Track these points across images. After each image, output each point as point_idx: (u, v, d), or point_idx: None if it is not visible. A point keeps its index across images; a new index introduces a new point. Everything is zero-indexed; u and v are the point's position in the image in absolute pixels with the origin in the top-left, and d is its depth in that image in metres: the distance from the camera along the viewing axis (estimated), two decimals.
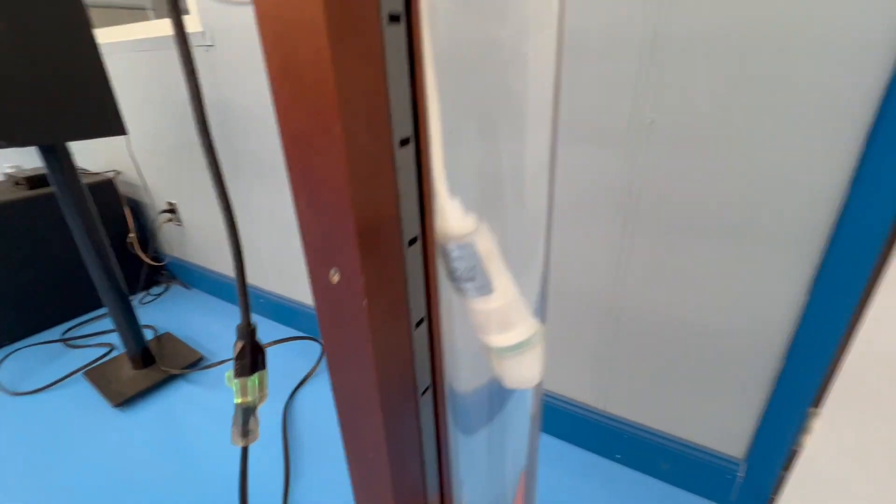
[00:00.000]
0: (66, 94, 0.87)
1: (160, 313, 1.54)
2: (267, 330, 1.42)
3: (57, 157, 0.96)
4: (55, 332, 1.44)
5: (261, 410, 1.08)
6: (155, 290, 1.71)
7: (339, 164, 0.23)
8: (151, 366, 1.22)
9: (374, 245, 0.26)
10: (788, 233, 0.60)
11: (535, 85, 0.27)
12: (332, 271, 0.26)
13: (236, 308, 1.55)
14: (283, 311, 1.40)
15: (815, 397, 0.67)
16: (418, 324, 0.32)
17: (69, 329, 1.46)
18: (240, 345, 0.32)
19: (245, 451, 0.33)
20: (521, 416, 0.50)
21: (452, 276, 0.25)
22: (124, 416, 1.08)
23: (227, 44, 1.06)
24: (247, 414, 0.32)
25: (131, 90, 1.40)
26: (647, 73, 0.61)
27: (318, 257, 0.26)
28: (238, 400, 0.32)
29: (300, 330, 1.39)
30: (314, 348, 1.31)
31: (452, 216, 0.23)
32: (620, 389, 0.85)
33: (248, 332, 0.31)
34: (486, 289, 0.24)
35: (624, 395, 0.85)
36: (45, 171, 1.01)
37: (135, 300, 1.64)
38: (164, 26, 1.21)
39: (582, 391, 0.90)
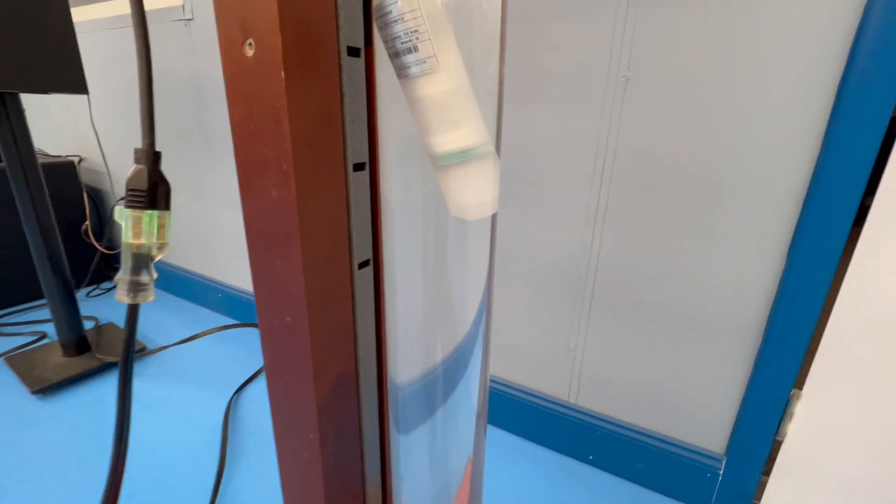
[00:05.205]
0: (23, 40, 0.83)
1: (107, 308, 1.42)
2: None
3: (6, 111, 0.90)
4: None
5: (206, 400, 0.97)
6: (106, 284, 1.59)
7: None
8: (85, 354, 1.10)
9: (298, 19, 0.22)
10: (762, 192, 0.59)
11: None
12: (248, 43, 0.22)
13: (194, 305, 1.45)
14: (243, 307, 1.31)
15: (797, 376, 0.63)
16: (357, 167, 0.27)
17: (3, 316, 1.33)
18: (137, 169, 0.26)
19: (132, 312, 0.27)
20: (466, 412, 0.44)
21: (390, 49, 0.21)
22: (42, 403, 0.95)
23: (207, 17, 1.05)
24: (139, 262, 0.26)
25: (103, 69, 1.37)
26: (624, 30, 0.61)
27: (229, 21, 0.21)
28: (128, 240, 0.26)
29: None
30: None
31: None
32: (592, 380, 0.79)
33: (149, 155, 0.26)
34: (430, 63, 0.20)
35: (596, 386, 0.79)
36: None
37: (82, 292, 1.52)
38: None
39: (551, 383, 0.84)
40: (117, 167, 1.50)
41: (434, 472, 0.44)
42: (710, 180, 0.61)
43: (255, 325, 1.27)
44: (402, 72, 0.21)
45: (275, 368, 0.28)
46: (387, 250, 0.31)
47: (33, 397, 0.97)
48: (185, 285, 1.46)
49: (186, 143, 1.24)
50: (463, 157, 0.21)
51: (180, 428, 0.89)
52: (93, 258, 1.56)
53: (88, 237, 1.52)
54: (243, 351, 1.18)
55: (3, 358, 1.09)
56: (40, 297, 1.45)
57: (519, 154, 0.74)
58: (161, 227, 0.27)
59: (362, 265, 0.30)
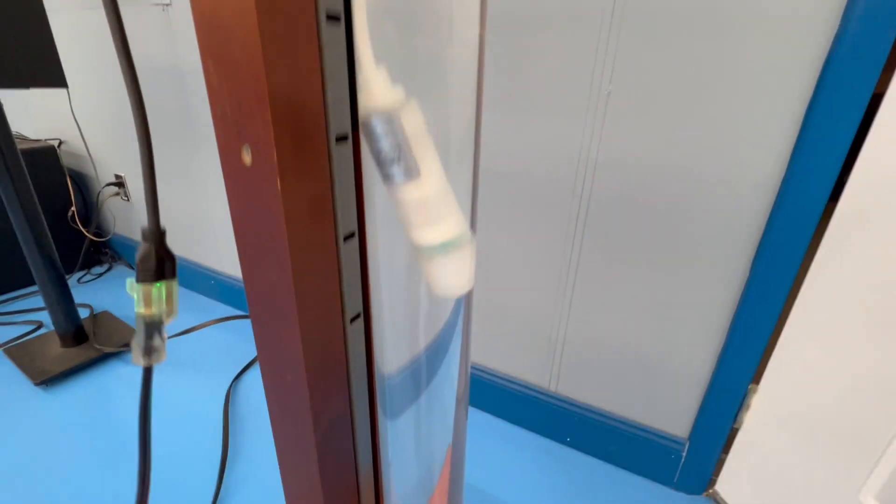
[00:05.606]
0: None
1: (100, 293, 1.44)
2: (218, 313, 1.35)
3: None
4: None
5: (204, 390, 1.01)
6: (97, 269, 1.60)
7: (250, 20, 0.21)
8: (83, 344, 1.13)
9: (293, 122, 0.24)
10: (732, 207, 0.62)
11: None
12: (244, 149, 0.24)
13: (188, 291, 1.47)
14: (236, 294, 1.34)
15: (755, 373, 0.68)
16: (347, 238, 0.30)
17: None
18: (145, 247, 0.29)
19: (147, 374, 0.30)
20: (447, 396, 0.48)
21: (377, 159, 0.23)
22: (47, 395, 0.99)
23: (184, 3, 1.01)
24: (150, 328, 0.29)
25: (79, 52, 1.32)
26: (607, 45, 0.62)
27: (228, 133, 0.23)
28: (140, 310, 0.29)
29: None
30: None
31: (377, 86, 0.21)
32: (571, 370, 0.85)
33: (155, 234, 0.28)
34: (412, 172, 0.22)
35: (574, 376, 0.85)
36: None
37: (73, 278, 1.52)
38: None
39: (534, 372, 0.89)
40: (99, 150, 1.48)
41: (419, 454, 0.49)
42: (682, 194, 0.64)
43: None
44: (387, 178, 0.23)
45: (268, 359, 0.31)
46: (372, 263, 0.34)
47: (37, 389, 1.00)
48: (182, 273, 1.48)
49: (172, 128, 1.23)
50: (443, 249, 0.23)
51: (182, 416, 0.94)
52: (81, 242, 1.56)
53: (76, 223, 1.52)
54: (240, 339, 1.22)
55: (1, 349, 1.11)
56: (29, 283, 1.46)
57: (503, 161, 0.76)
58: (169, 295, 0.29)
59: (354, 319, 0.33)
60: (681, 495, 0.80)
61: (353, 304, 0.32)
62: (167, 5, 1.04)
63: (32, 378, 1.00)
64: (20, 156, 0.95)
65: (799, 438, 0.64)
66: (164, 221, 1.44)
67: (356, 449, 0.36)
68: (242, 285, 1.31)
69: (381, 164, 0.23)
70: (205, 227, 1.32)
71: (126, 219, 1.57)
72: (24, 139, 1.52)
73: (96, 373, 1.07)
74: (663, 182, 0.65)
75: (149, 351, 0.29)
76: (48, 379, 1.01)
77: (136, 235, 1.57)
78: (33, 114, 1.62)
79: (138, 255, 0.28)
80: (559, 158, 0.71)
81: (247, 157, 0.24)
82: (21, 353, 1.09)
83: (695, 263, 0.67)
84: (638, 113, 0.63)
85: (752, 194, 0.60)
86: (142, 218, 1.51)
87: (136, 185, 1.46)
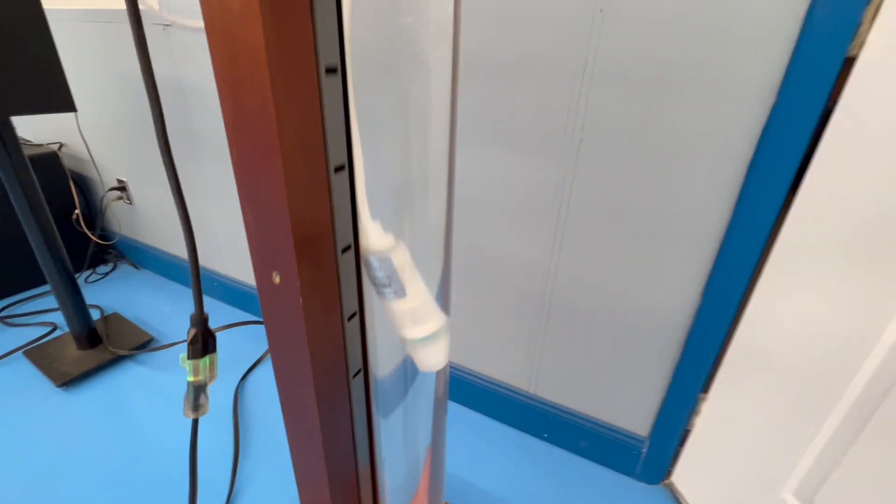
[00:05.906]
0: (8, 65, 0.85)
1: (107, 293, 1.51)
2: (221, 314, 1.43)
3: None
4: None
5: (214, 391, 1.10)
6: (102, 268, 1.66)
7: (279, 186, 0.28)
8: (98, 346, 1.21)
9: (311, 252, 0.31)
10: (687, 240, 0.70)
11: (435, 102, 0.33)
12: (274, 274, 0.31)
13: (187, 289, 1.54)
14: (237, 294, 1.41)
15: (705, 384, 0.78)
16: (350, 317, 0.38)
17: (7, 307, 1.41)
18: (193, 331, 0.36)
19: (195, 423, 0.38)
20: (427, 397, 0.57)
21: (373, 283, 0.31)
22: (68, 396, 1.07)
23: (185, 21, 1.05)
24: (198, 391, 0.37)
25: (80, 61, 1.35)
26: (579, 97, 0.69)
27: (262, 261, 0.31)
28: (190, 378, 0.37)
29: (254, 314, 1.41)
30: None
31: (373, 235, 0.29)
32: (548, 375, 0.94)
33: (200, 321, 0.36)
34: (401, 293, 0.30)
35: (551, 380, 0.95)
36: None
37: (80, 278, 1.59)
38: None
39: (516, 377, 0.99)
40: (100, 153, 1.52)
41: (407, 452, 0.58)
42: (645, 224, 0.72)
43: (259, 322, 1.38)
44: (381, 295, 0.31)
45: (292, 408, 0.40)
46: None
47: (58, 390, 1.09)
48: (184, 274, 1.55)
49: (173, 143, 1.28)
50: (426, 340, 0.31)
51: None
52: (86, 244, 1.62)
53: (80, 226, 1.57)
54: (244, 340, 1.30)
55: (21, 352, 1.19)
56: (37, 283, 1.52)
57: (490, 192, 0.83)
58: (211, 363, 0.37)
59: (356, 375, 0.41)
60: (641, 485, 0.91)
61: (355, 364, 0.40)
62: (167, 25, 1.08)
63: (53, 380, 1.08)
64: (28, 161, 1.00)
65: (739, 440, 0.74)
66: (169, 226, 1.50)
67: (356, 462, 0.45)
68: (243, 287, 1.39)
69: (376, 285, 0.31)
70: (206, 231, 1.39)
71: (130, 222, 1.62)
72: (27, 143, 1.56)
73: (112, 374, 1.15)
74: (627, 211, 0.73)
75: (196, 408, 0.37)
76: (69, 381, 1.09)
77: (141, 237, 1.63)
78: (33, 117, 1.64)
79: (188, 337, 0.36)
80: (538, 190, 0.79)
81: (276, 279, 0.31)
82: (40, 356, 1.17)
83: (658, 287, 0.76)
84: (607, 156, 0.71)
85: (703, 227, 0.69)
86: (145, 221, 1.57)
87: (138, 190, 1.51)
